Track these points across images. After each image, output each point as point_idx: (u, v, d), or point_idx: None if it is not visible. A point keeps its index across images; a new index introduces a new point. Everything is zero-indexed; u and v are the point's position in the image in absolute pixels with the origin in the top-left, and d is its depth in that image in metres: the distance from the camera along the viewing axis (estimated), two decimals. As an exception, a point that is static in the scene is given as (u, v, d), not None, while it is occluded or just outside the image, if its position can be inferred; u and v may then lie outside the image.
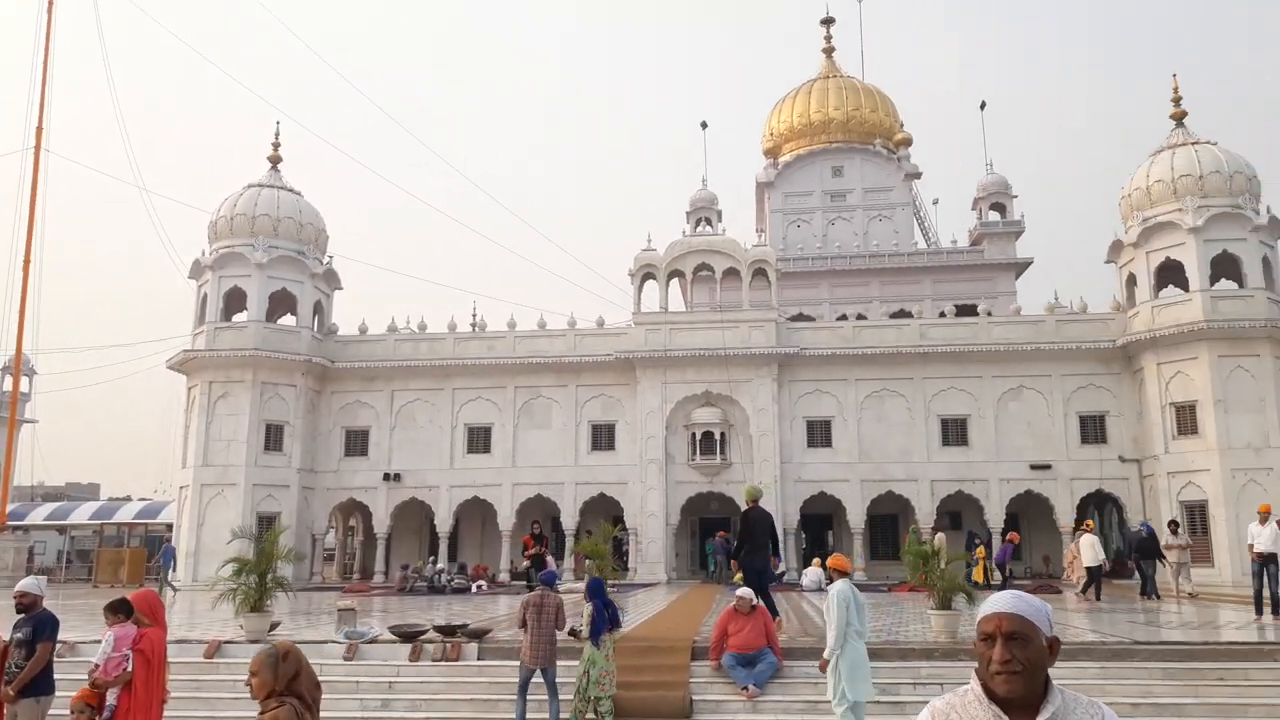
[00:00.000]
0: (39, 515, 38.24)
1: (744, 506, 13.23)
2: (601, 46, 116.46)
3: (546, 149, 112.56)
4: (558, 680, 9.69)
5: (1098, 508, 32.68)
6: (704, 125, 46.76)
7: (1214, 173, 27.91)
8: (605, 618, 9.80)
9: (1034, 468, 29.18)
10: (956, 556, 14.75)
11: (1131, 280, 29.42)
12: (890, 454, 29.99)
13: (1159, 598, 20.18)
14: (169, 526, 32.69)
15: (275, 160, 33.16)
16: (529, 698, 9.60)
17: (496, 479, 31.06)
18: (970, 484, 29.51)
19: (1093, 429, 29.38)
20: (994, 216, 42.75)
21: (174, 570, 28.43)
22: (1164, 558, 21.23)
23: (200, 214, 32.68)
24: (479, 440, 31.63)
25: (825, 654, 8.23)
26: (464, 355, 31.87)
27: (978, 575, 24.58)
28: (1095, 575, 20.16)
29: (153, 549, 36.81)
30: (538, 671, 9.57)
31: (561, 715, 9.53)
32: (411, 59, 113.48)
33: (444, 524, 31.03)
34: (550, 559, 12.32)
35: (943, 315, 32.73)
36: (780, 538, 27.24)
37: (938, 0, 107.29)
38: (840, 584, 8.28)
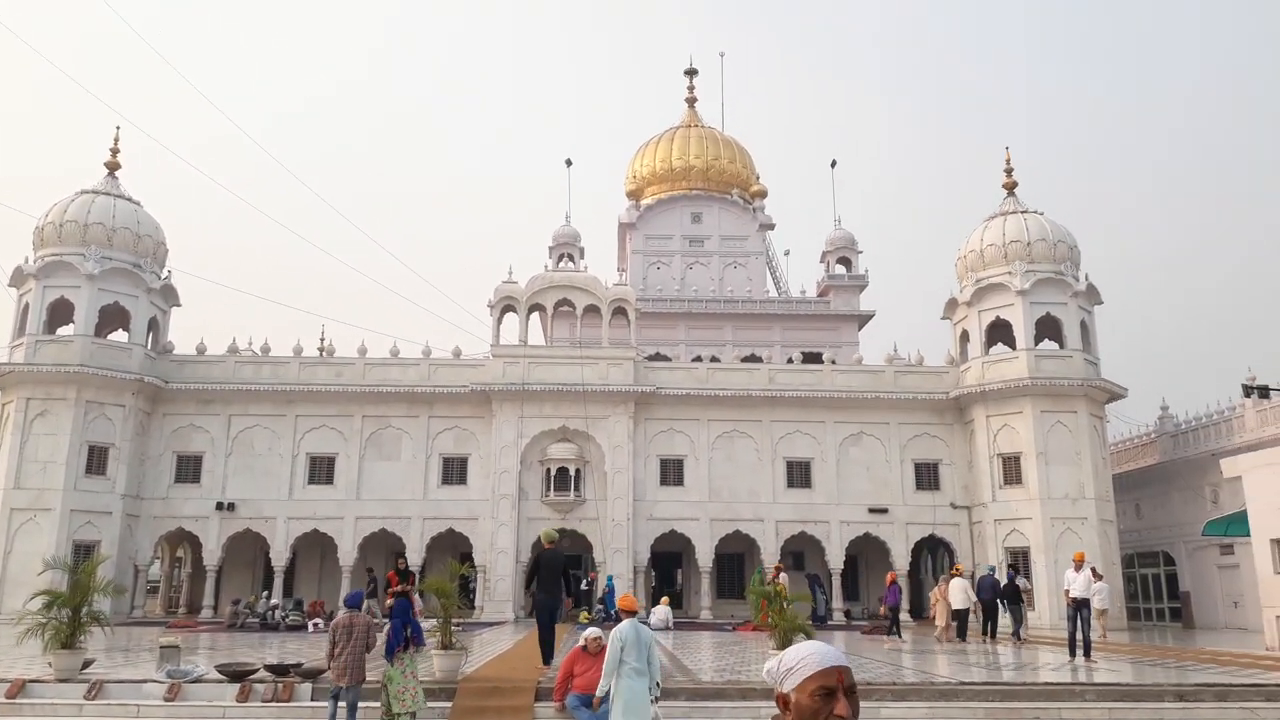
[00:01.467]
0: None
1: (544, 547, 13.79)
2: (473, 70, 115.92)
3: (410, 171, 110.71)
4: (359, 703, 10.15)
5: (930, 551, 34.36)
6: (569, 163, 47.28)
7: (1040, 240, 30.17)
8: (402, 636, 10.34)
9: (872, 511, 30.42)
10: (798, 597, 15.22)
11: (965, 336, 31.31)
12: (739, 494, 30.67)
13: (1022, 639, 21.14)
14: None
15: (113, 167, 31.32)
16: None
17: (339, 511, 29.95)
18: (813, 525, 30.48)
19: (927, 476, 30.93)
20: (840, 270, 44.73)
21: None
22: (1024, 601, 22.40)
23: (25, 219, 30.44)
24: (322, 470, 30.48)
25: (597, 692, 8.79)
26: (309, 381, 30.73)
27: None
28: (963, 618, 21.13)
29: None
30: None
31: None
32: (274, 68, 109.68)
33: (280, 557, 29.63)
34: (417, 597, 12.11)
35: (790, 361, 33.93)
36: (581, 578, 27.50)
37: (796, 60, 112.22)
38: (623, 624, 8.62)
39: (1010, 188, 31.94)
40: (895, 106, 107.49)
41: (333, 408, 30.62)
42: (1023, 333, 29.40)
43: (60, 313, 29.22)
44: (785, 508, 30.53)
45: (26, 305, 29.06)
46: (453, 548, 30.76)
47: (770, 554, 29.83)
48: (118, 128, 32.13)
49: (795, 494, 30.76)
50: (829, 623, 28.03)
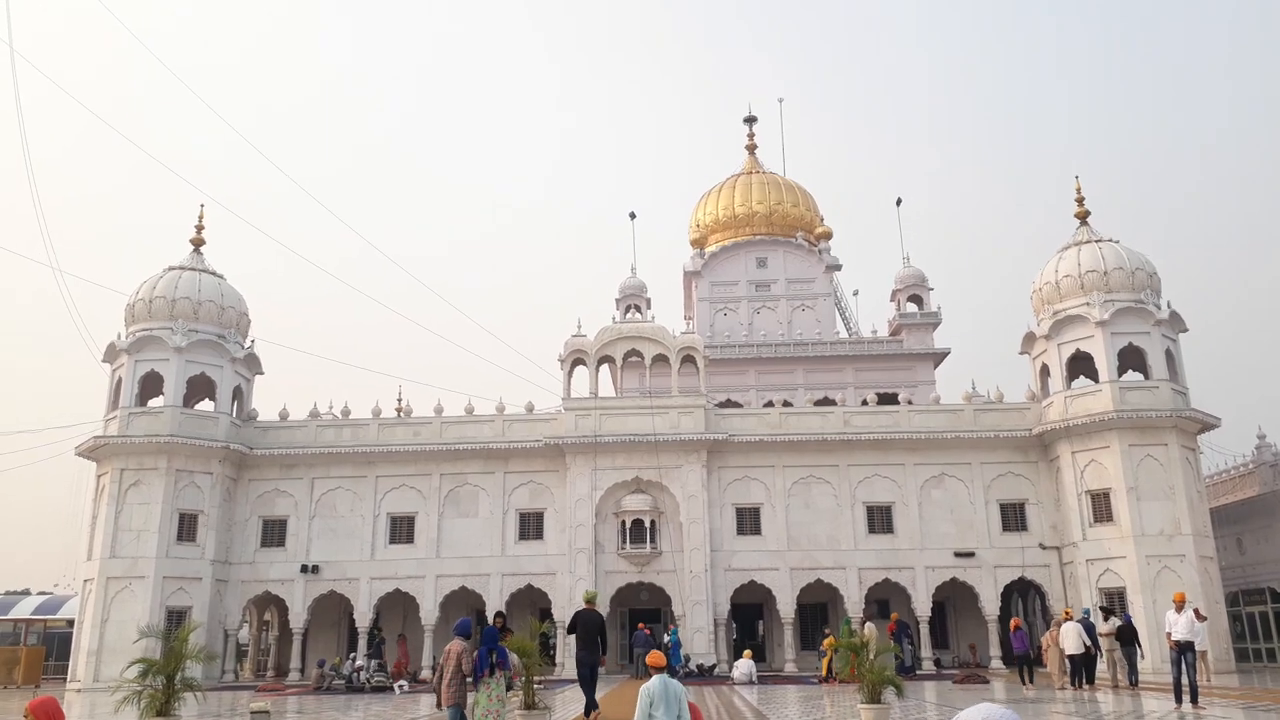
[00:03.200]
0: (-75, 612, 35.86)
1: (584, 606, 14.96)
2: (533, 133, 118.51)
3: (478, 234, 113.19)
4: None
5: (1021, 595, 33.21)
6: (633, 216, 47.82)
7: (1117, 269, 29.37)
8: (487, 662, 11.09)
9: (958, 555, 29.57)
10: (885, 648, 14.78)
11: (1045, 370, 30.51)
12: (819, 541, 30.13)
13: (1136, 685, 20.22)
14: (70, 623, 30.86)
15: (198, 243, 32.67)
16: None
17: (419, 570, 30.25)
18: (897, 571, 29.74)
19: (1013, 516, 29.99)
20: (911, 308, 44.12)
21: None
22: (1138, 644, 21.38)
23: (117, 296, 31.84)
24: (402, 530, 30.87)
25: None
26: (388, 442, 31.29)
27: (826, 669, 24.66)
28: (1080, 663, 20.28)
29: (52, 647, 34.76)
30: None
31: None
32: (342, 143, 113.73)
33: (363, 618, 29.96)
34: (512, 654, 12.37)
35: (865, 403, 33.42)
36: (612, 635, 27.15)
37: (854, 100, 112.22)
38: (652, 680, 8.95)
39: (1082, 217, 31.24)
40: (957, 139, 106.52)
41: (411, 467, 31.08)
42: (1105, 364, 28.52)
43: (151, 385, 30.35)
44: (867, 554, 29.88)
45: (120, 380, 30.27)
46: (532, 604, 30.78)
47: (854, 603, 29.18)
48: (201, 205, 33.57)
49: (877, 540, 30.10)
50: (918, 673, 27.17)
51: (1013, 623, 22.60)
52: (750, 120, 52.06)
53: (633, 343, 32.26)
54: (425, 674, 28.80)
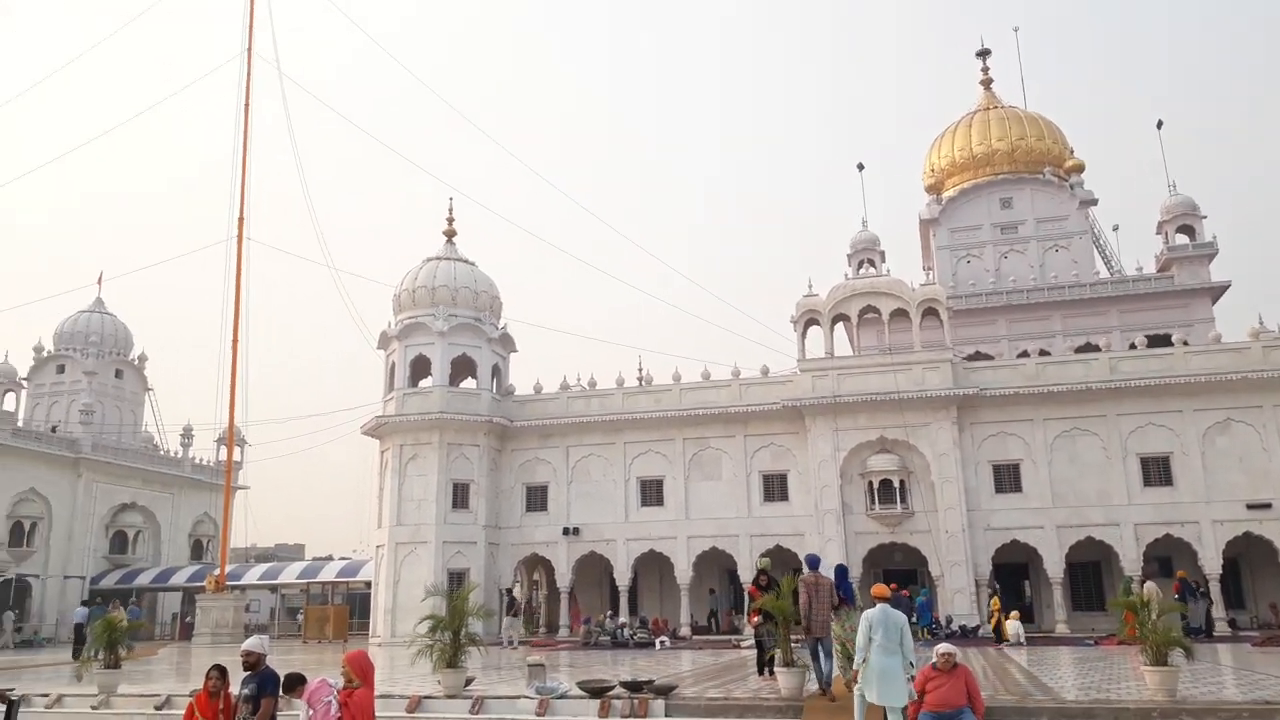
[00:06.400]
0: (253, 575, 41.20)
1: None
2: (751, 94, 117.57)
3: (705, 202, 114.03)
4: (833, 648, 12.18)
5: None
6: (860, 167, 46.29)
7: None
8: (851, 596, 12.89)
9: (1251, 507, 26.78)
10: (1170, 608, 13.65)
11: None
12: (1087, 497, 28.26)
13: None
14: (368, 584, 34.50)
15: (450, 234, 35.13)
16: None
17: (671, 531, 31.23)
18: (1179, 526, 27.38)
19: (1318, 463, 26.67)
20: (1182, 240, 39.99)
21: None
22: None
23: (384, 288, 34.93)
24: (652, 493, 31.96)
25: (854, 665, 10.20)
26: (633, 409, 32.41)
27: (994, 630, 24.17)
28: None
29: (354, 606, 38.96)
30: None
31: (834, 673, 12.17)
32: (572, 123, 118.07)
33: (623, 577, 31.38)
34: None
35: (1133, 347, 30.78)
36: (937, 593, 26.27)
37: (1097, 21, 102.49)
38: (874, 608, 9.75)
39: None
40: (1226, 45, 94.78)
41: (655, 433, 32.05)
42: None
43: (420, 367, 33.15)
44: (1143, 509, 27.68)
45: (393, 364, 33.28)
46: (782, 564, 30.94)
47: (1130, 561, 27.19)
48: (450, 199, 36.16)
49: (1154, 493, 27.80)
50: (1213, 635, 24.93)
51: None
52: (984, 54, 48.87)
53: (868, 298, 31.43)
54: (684, 630, 29.80)
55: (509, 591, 31.46)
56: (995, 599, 25.62)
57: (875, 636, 9.55)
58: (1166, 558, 28.54)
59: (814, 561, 12.90)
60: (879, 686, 9.44)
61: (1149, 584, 22.19)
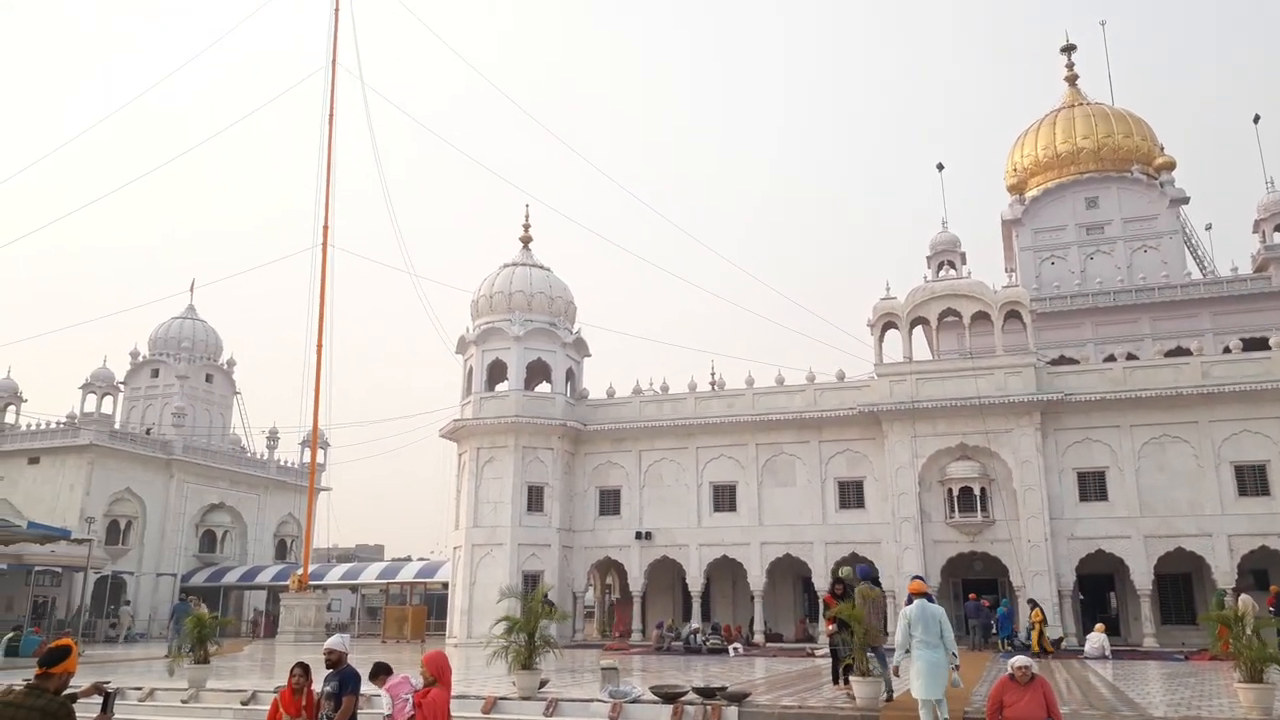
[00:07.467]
0: (334, 575, 42.25)
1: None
2: (827, 93, 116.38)
3: (781, 204, 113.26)
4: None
5: None
6: (940, 167, 45.34)
7: None
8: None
9: (1357, 519, 25.44)
10: (1266, 623, 13.08)
11: None
12: (1177, 507, 27.24)
13: None
14: (445, 585, 35.08)
15: (526, 240, 35.55)
16: None
17: (744, 538, 31.04)
18: (1277, 538, 26.18)
19: None
20: (1280, 238, 38.31)
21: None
22: None
23: (462, 294, 35.48)
24: (724, 498, 31.81)
25: (892, 660, 10.74)
26: (705, 414, 32.31)
27: (1036, 643, 23.37)
28: None
29: (432, 606, 39.66)
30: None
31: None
32: (645, 127, 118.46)
33: (695, 582, 31.30)
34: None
35: (1227, 350, 29.54)
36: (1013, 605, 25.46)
37: (1188, 14, 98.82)
38: (912, 604, 10.00)
39: None
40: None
41: (728, 438, 31.91)
42: None
43: (496, 371, 33.61)
44: (1238, 520, 26.56)
45: (470, 368, 33.81)
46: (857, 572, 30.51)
47: (1224, 573, 26.11)
48: (527, 206, 36.50)
49: (1249, 503, 26.66)
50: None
51: None
52: (1069, 49, 47.57)
53: (948, 301, 30.81)
54: (757, 638, 29.59)
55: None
56: (1037, 610, 24.68)
57: (915, 632, 9.78)
58: (1262, 570, 27.32)
59: (864, 572, 13.44)
60: (926, 680, 9.65)
61: (1243, 597, 21.28)
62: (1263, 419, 26.96)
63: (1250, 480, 26.87)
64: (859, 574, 13.49)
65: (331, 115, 36.52)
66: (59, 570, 36.44)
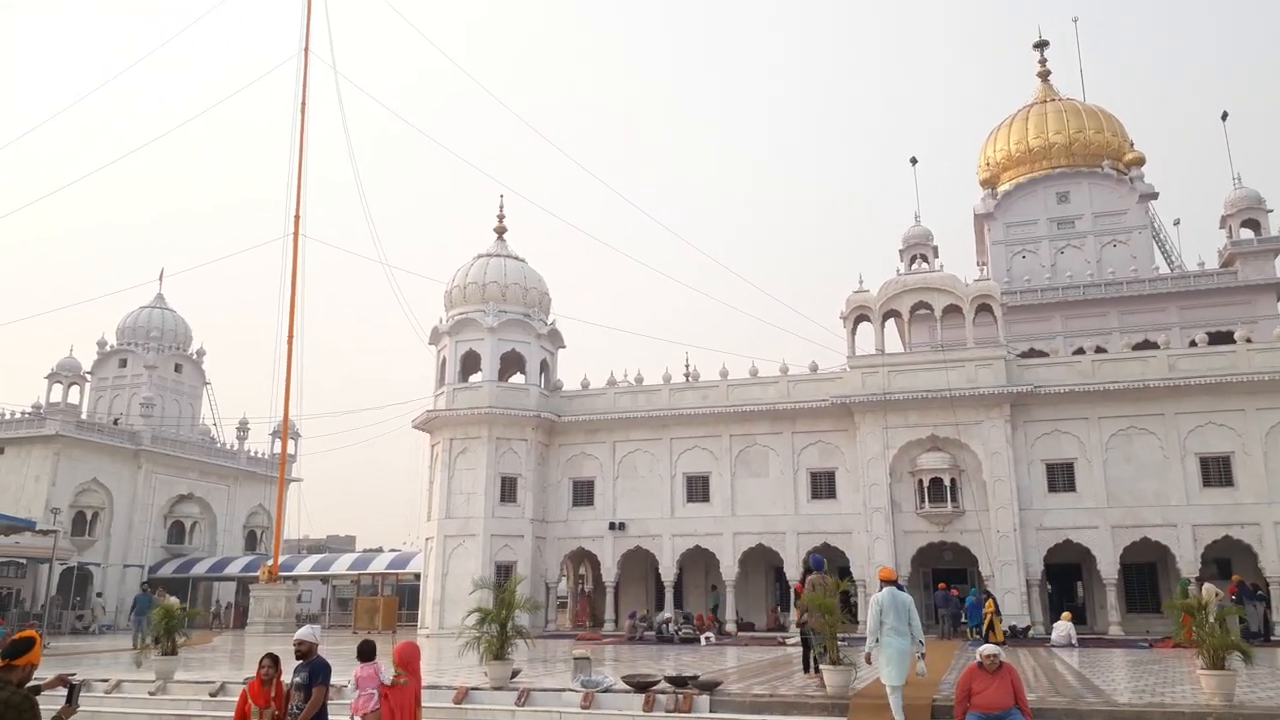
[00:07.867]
0: (305, 566, 41.98)
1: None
2: (801, 87, 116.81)
3: (754, 197, 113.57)
4: None
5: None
6: (913, 161, 45.67)
7: None
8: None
9: (1316, 510, 25.94)
10: (1229, 611, 13.31)
11: None
12: (1143, 497, 27.66)
13: None
14: (417, 576, 34.95)
15: (501, 231, 35.39)
16: None
17: (717, 528, 31.15)
18: (1239, 528, 26.67)
19: (1389, 465, 25.76)
20: (1247, 234, 38.86)
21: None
22: None
23: (435, 284, 35.31)
24: (698, 489, 31.92)
25: (865, 647, 10.67)
26: (679, 405, 32.38)
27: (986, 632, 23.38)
28: None
29: (403, 597, 39.51)
30: None
31: None
32: (617, 113, 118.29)
33: (668, 573, 31.40)
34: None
35: (1194, 344, 30.01)
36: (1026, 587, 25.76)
37: (1159, 12, 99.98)
38: (882, 592, 10.10)
39: None
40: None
41: (702, 429, 32.00)
42: None
43: (470, 362, 33.48)
44: (1202, 510, 27.02)
45: (444, 359, 33.65)
46: (830, 562, 30.68)
47: (1188, 562, 26.56)
48: (501, 197, 36.36)
49: (1213, 494, 27.12)
50: (1270, 639, 24.25)
51: None
52: (1041, 45, 47.90)
53: (920, 294, 31.05)
54: (729, 627, 29.74)
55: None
56: (990, 601, 24.68)
57: (886, 619, 9.90)
58: (1225, 560, 27.83)
59: (818, 563, 13.93)
60: (896, 667, 9.78)
61: (1207, 586, 21.68)
62: (1227, 411, 27.41)
63: (1215, 471, 27.33)
64: (812, 564, 14.00)
65: (304, 104, 36.13)
66: (24, 562, 35.94)
